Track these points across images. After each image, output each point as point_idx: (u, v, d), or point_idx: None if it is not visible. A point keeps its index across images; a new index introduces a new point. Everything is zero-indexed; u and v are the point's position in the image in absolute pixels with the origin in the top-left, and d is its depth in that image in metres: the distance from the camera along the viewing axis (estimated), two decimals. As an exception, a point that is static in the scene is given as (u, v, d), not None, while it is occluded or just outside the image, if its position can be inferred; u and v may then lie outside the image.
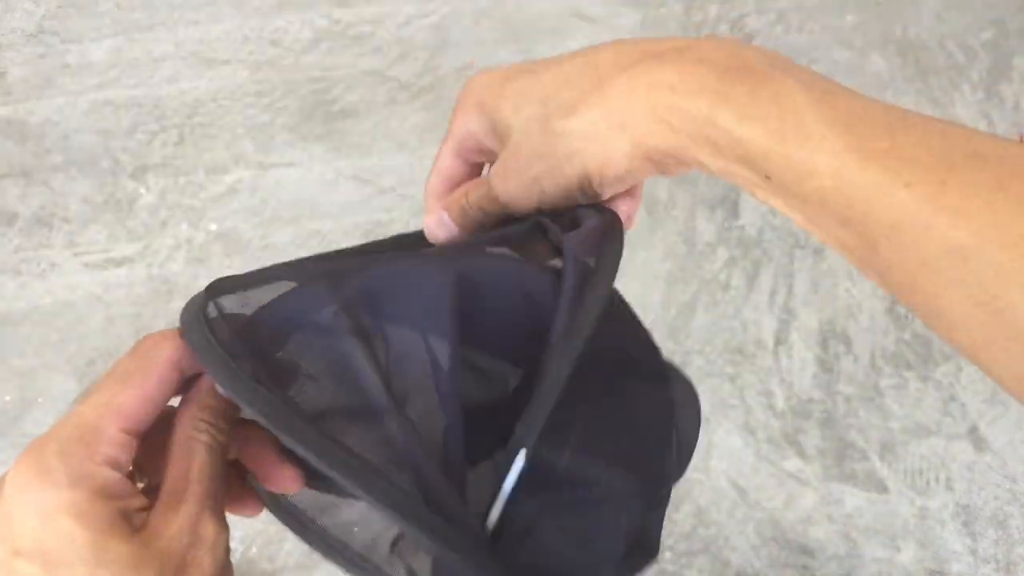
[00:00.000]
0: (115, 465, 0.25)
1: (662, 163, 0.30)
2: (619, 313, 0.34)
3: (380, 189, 1.09)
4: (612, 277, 0.31)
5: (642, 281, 1.06)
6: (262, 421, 0.27)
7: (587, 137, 0.31)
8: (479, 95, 0.34)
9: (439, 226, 0.37)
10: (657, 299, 1.05)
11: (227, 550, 0.27)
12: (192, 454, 0.27)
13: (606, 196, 0.33)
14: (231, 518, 0.29)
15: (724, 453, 0.98)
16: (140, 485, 0.29)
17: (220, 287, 0.29)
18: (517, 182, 0.33)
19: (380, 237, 0.40)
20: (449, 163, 0.37)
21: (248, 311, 0.29)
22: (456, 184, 0.37)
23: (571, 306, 0.30)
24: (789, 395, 1.02)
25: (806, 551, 0.95)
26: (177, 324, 0.29)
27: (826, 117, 0.26)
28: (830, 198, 0.26)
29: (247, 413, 0.29)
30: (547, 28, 1.16)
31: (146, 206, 1.08)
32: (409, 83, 1.13)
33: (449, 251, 0.35)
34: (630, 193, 0.35)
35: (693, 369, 1.02)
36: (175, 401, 0.29)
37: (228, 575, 0.27)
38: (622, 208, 0.35)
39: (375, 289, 0.30)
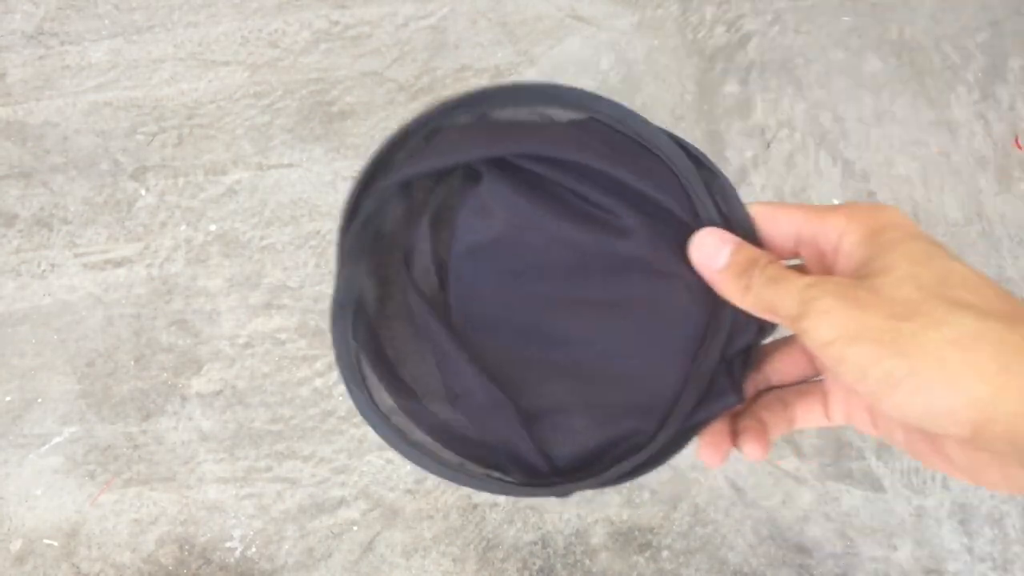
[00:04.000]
0: None
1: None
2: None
3: (378, 190, 1.09)
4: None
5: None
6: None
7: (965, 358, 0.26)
8: (893, 223, 0.30)
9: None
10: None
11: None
12: None
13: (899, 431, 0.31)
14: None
15: (721, 452, 0.98)
16: None
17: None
18: (839, 320, 0.27)
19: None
20: (782, 231, 0.32)
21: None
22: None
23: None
24: (786, 394, 1.02)
25: (803, 550, 0.96)
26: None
27: None
28: None
29: None
30: (545, 29, 1.16)
31: (145, 207, 1.09)
32: (407, 84, 1.14)
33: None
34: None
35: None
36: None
37: None
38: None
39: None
